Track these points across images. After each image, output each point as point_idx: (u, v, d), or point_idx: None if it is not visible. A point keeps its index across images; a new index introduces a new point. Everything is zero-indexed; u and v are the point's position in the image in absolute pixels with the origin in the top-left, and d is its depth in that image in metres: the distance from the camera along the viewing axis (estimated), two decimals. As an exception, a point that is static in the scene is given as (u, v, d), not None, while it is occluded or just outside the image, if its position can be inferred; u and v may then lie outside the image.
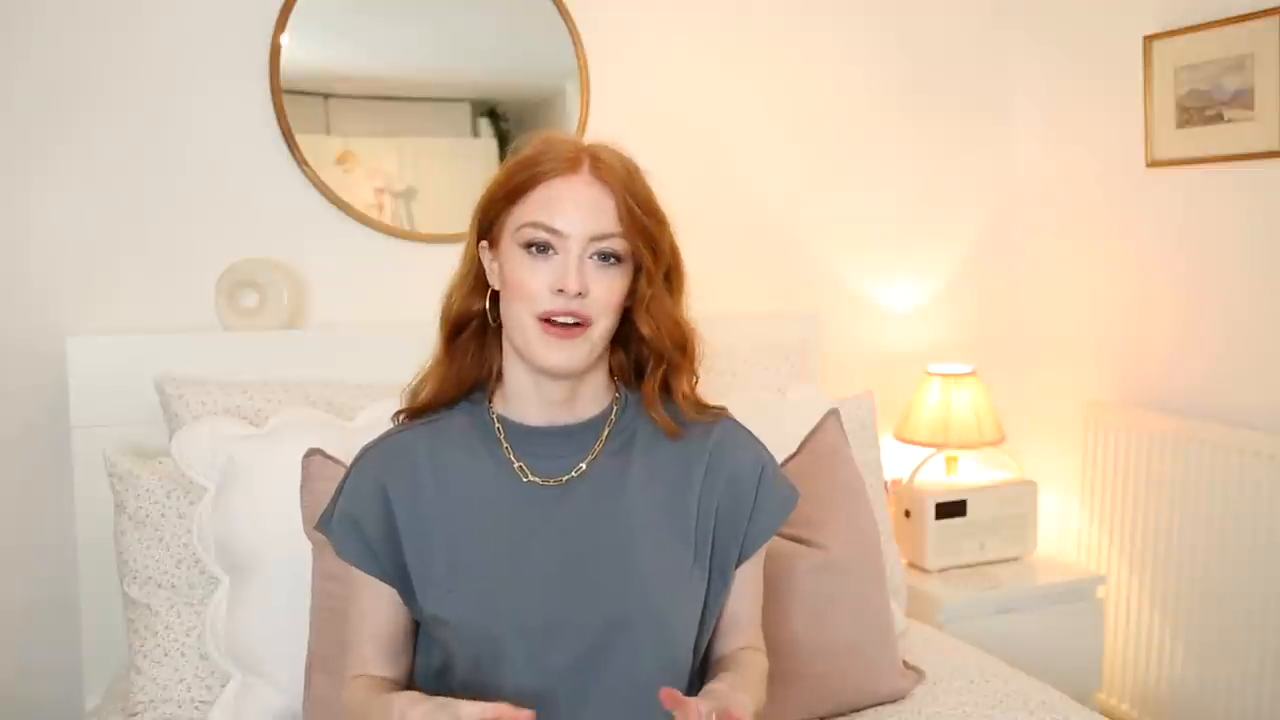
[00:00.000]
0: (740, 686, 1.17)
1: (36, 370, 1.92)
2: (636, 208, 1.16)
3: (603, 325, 1.17)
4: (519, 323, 1.16)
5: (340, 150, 2.12)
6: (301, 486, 1.57)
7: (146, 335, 1.92)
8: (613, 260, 1.17)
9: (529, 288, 1.15)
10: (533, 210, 1.15)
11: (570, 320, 1.15)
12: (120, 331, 1.93)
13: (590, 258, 1.15)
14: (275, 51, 2.03)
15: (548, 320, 1.15)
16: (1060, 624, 2.38)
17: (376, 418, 1.76)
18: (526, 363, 1.19)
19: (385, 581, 1.21)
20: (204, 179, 2.02)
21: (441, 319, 1.26)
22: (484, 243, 1.22)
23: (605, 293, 1.16)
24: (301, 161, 2.06)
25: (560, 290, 1.13)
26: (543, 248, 1.15)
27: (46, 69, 1.91)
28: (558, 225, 1.14)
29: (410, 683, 1.26)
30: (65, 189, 1.93)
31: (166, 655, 1.65)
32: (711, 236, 2.37)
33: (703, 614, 1.24)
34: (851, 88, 2.54)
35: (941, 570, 2.44)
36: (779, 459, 1.37)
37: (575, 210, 1.14)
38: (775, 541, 1.33)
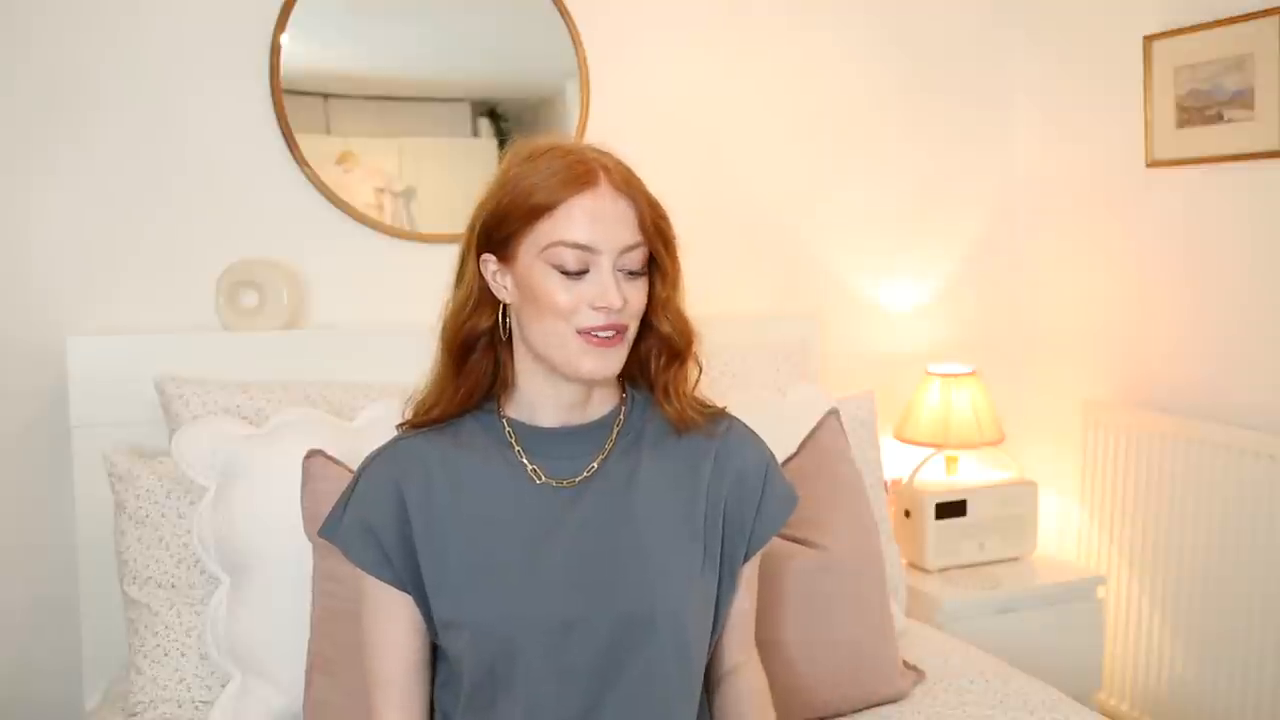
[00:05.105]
0: None
1: (36, 370, 1.92)
2: (652, 211, 1.18)
3: (632, 330, 1.20)
4: (557, 338, 1.16)
5: (340, 150, 2.12)
6: (302, 487, 1.57)
7: (146, 335, 1.93)
8: (633, 272, 1.18)
9: (565, 304, 1.14)
10: (561, 228, 1.14)
11: (610, 333, 1.16)
12: (120, 331, 1.94)
13: (618, 270, 1.16)
14: (275, 51, 2.03)
15: (588, 333, 1.15)
16: (1060, 624, 2.38)
17: (376, 418, 1.76)
18: (561, 373, 1.19)
19: (400, 589, 1.19)
20: (204, 179, 2.02)
21: (447, 342, 1.23)
22: (486, 257, 1.19)
23: (637, 301, 1.18)
24: (301, 161, 2.06)
25: (602, 307, 1.14)
26: (578, 264, 1.15)
27: (46, 69, 1.91)
28: (591, 242, 1.13)
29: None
30: (65, 189, 1.93)
31: (166, 655, 1.65)
32: (711, 236, 2.37)
33: (715, 611, 1.25)
34: (851, 87, 2.54)
35: (941, 570, 2.44)
36: (779, 459, 1.38)
37: (602, 225, 1.14)
38: (774, 541, 1.33)
